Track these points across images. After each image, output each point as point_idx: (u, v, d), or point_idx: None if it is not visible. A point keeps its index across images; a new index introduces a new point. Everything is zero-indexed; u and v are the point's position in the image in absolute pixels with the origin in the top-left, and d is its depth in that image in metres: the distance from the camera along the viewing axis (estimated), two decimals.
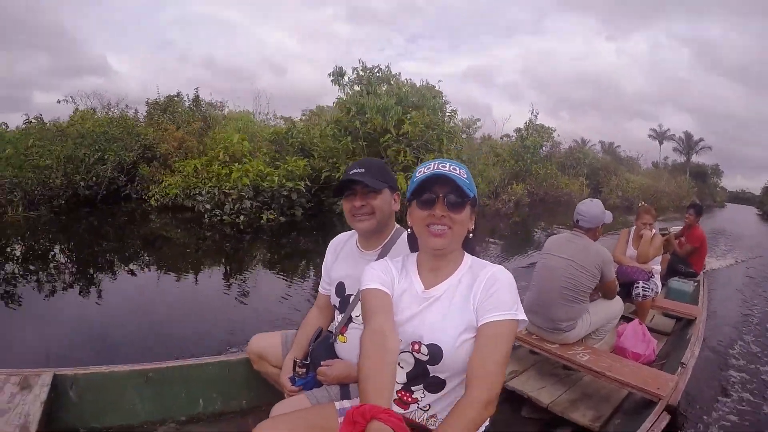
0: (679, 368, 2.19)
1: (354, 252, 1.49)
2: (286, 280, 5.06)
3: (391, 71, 10.96)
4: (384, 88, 10.53)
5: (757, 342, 3.83)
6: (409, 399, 1.05)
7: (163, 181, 9.15)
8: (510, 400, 2.17)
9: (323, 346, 1.47)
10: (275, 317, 3.73)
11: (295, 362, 1.42)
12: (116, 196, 9.53)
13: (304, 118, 20.98)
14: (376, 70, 10.77)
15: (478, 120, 16.65)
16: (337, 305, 1.50)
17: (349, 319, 1.44)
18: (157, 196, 8.97)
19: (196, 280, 4.96)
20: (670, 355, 2.79)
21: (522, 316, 0.98)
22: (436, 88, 11.26)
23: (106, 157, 9.12)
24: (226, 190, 8.14)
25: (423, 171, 1.04)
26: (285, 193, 8.35)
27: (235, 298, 4.33)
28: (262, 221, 8.00)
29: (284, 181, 8.37)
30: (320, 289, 1.61)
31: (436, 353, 0.99)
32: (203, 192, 8.24)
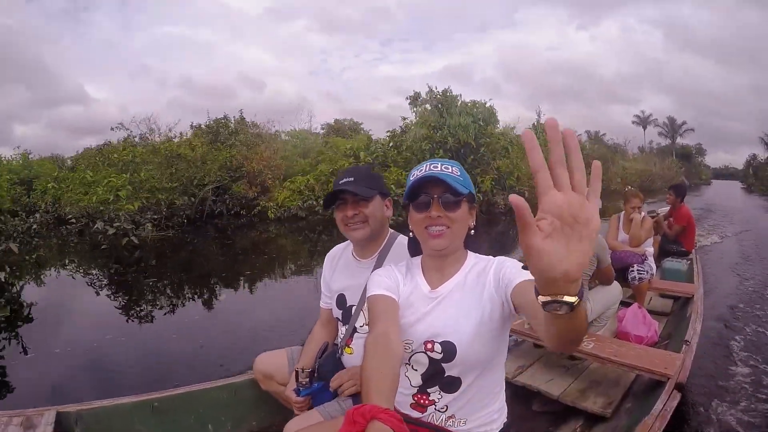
0: (684, 346, 2.21)
1: (351, 262, 1.48)
2: None
3: (452, 93, 13.57)
4: (455, 110, 12.97)
5: (755, 310, 3.89)
6: (426, 401, 1.04)
7: (278, 197, 10.76)
8: (520, 395, 2.17)
9: (330, 361, 1.46)
10: None
11: (297, 372, 1.40)
12: (210, 214, 10.59)
13: (322, 132, 23.00)
14: (443, 93, 13.40)
15: (513, 128, 17.48)
16: (340, 317, 1.49)
17: (354, 330, 1.43)
18: (273, 209, 10.34)
19: None
20: (672, 335, 2.82)
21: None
22: (490, 107, 13.84)
23: (205, 178, 10.48)
24: None
25: (416, 174, 1.03)
26: (394, 198, 10.25)
27: None
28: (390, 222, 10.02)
29: (395, 187, 10.07)
30: (321, 303, 1.60)
31: (450, 350, 0.99)
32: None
